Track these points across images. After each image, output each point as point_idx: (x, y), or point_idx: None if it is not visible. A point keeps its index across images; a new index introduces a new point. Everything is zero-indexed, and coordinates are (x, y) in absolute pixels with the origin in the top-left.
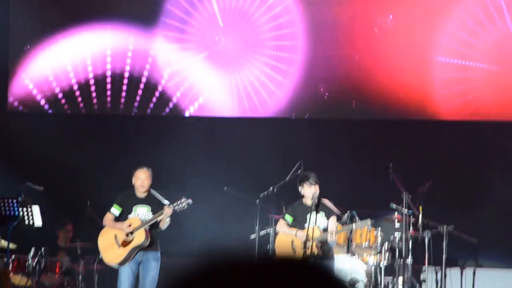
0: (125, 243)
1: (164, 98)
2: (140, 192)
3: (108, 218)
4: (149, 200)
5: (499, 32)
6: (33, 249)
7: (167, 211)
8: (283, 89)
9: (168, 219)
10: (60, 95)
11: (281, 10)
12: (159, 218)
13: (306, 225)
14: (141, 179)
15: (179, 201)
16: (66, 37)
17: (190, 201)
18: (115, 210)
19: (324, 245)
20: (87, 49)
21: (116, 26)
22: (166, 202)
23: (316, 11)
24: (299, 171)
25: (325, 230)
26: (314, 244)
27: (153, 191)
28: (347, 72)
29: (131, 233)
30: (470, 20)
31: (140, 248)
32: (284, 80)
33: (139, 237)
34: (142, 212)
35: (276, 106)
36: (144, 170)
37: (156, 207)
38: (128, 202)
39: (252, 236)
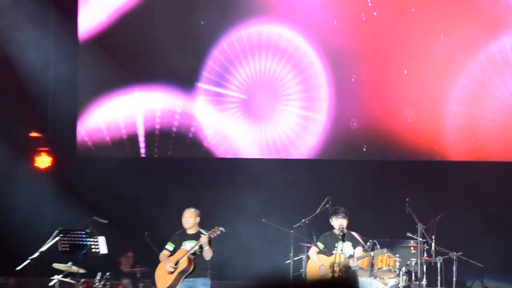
0: (172, 272)
1: (211, 146)
2: (188, 229)
3: (163, 254)
4: (197, 236)
5: (506, 87)
6: (99, 274)
7: (203, 238)
8: (312, 133)
9: (209, 249)
10: (123, 141)
11: (305, 65)
12: (197, 247)
13: (334, 251)
14: (185, 217)
15: (213, 230)
16: (126, 92)
17: (222, 229)
18: (169, 247)
19: (348, 269)
20: (140, 105)
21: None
22: (204, 232)
23: (339, 67)
24: (327, 205)
25: (351, 257)
26: (339, 268)
27: (201, 230)
28: (364, 120)
29: (176, 263)
30: (479, 73)
31: (186, 275)
32: (312, 125)
33: (183, 264)
34: (189, 246)
35: (307, 149)
36: (189, 210)
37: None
38: (180, 239)
39: (287, 262)
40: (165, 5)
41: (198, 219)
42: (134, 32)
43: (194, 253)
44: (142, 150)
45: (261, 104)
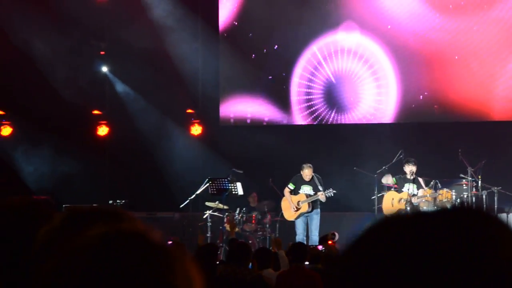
0: (296, 209)
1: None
2: (306, 178)
3: (286, 191)
4: (312, 182)
5: None
6: (238, 209)
7: (322, 197)
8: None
9: (324, 197)
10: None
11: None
12: (315, 199)
13: (404, 189)
14: (305, 172)
15: (328, 191)
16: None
17: (335, 191)
18: (291, 186)
19: (412, 204)
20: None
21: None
22: (321, 188)
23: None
24: (401, 156)
25: (415, 195)
26: (404, 203)
27: (314, 176)
28: (430, 90)
29: (298, 204)
30: None
31: (306, 212)
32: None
33: (304, 208)
34: (306, 189)
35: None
36: (308, 166)
37: (315, 187)
38: (299, 182)
39: (372, 197)
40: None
41: (311, 173)
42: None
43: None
44: (266, 119)
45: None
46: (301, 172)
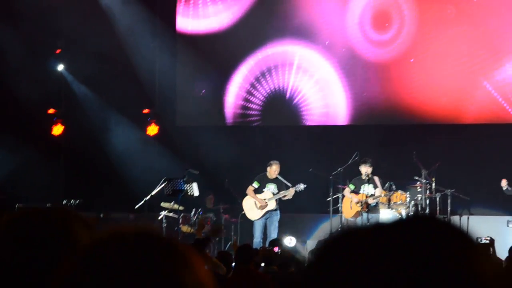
0: (262, 208)
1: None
2: (273, 175)
3: (250, 189)
4: (277, 181)
5: None
6: (194, 210)
7: (291, 191)
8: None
9: (290, 196)
10: (212, 112)
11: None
12: (283, 195)
13: (361, 191)
14: (273, 168)
15: (298, 185)
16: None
17: (304, 185)
18: (255, 184)
19: (370, 205)
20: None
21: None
22: (289, 184)
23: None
24: (356, 158)
25: (373, 195)
26: (364, 204)
27: (279, 177)
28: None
29: (266, 202)
30: None
31: (269, 211)
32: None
33: (271, 205)
34: (271, 187)
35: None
36: (276, 163)
37: (280, 185)
38: (264, 181)
39: (328, 199)
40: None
41: (278, 170)
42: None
43: (280, 198)
44: (228, 120)
45: None
46: (268, 169)
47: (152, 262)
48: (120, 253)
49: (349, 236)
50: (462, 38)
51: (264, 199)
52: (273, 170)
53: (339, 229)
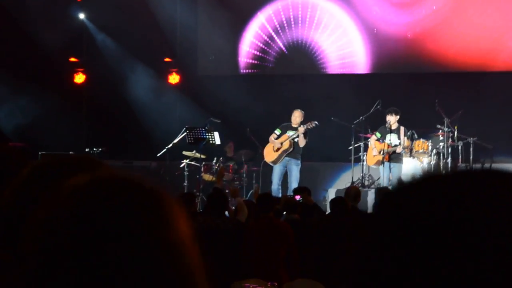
0: (278, 149)
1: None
2: (293, 124)
3: (272, 136)
4: (296, 128)
5: None
6: (215, 158)
7: (300, 129)
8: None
9: (303, 139)
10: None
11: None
12: (296, 135)
13: (385, 140)
14: (295, 116)
15: (309, 122)
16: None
17: (316, 122)
18: (277, 131)
19: (392, 153)
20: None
21: None
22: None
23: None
24: (378, 107)
25: (396, 145)
26: (386, 154)
27: (302, 124)
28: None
29: (281, 144)
30: None
31: (286, 153)
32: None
33: (285, 145)
34: (290, 134)
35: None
36: (298, 111)
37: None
38: (286, 128)
39: (349, 148)
40: None
41: (302, 118)
42: None
43: (293, 139)
44: (249, 70)
45: None
46: (292, 116)
47: (130, 213)
48: (96, 200)
49: (425, 181)
50: None
51: (280, 142)
52: (294, 117)
53: (416, 176)
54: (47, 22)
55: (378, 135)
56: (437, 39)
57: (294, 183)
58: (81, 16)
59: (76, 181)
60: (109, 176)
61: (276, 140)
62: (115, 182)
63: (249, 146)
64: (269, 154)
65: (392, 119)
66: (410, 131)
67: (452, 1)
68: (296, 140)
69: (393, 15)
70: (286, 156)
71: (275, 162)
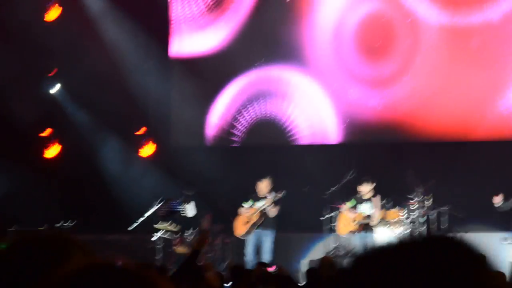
0: (247, 223)
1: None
2: (260, 194)
3: (240, 210)
4: (265, 198)
5: None
6: (189, 230)
7: (268, 200)
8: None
9: (273, 208)
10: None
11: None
12: (264, 206)
13: (358, 210)
14: (261, 187)
15: (276, 194)
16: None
17: (284, 192)
18: (246, 204)
19: (365, 224)
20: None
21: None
22: (270, 196)
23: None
24: (352, 176)
25: (369, 216)
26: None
27: (270, 193)
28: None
29: (250, 217)
30: None
31: (257, 226)
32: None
33: (254, 218)
34: (259, 205)
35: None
36: (265, 180)
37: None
38: (253, 199)
39: (322, 218)
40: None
41: (269, 187)
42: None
43: (263, 211)
44: (221, 141)
45: None
46: (258, 187)
47: None
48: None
49: (375, 255)
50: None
51: (249, 215)
52: (260, 188)
53: (366, 249)
54: (18, 97)
55: (350, 204)
56: (410, 109)
57: (266, 255)
58: (53, 89)
59: (70, 270)
60: (102, 265)
61: (245, 213)
62: (109, 272)
63: (223, 217)
64: (239, 227)
65: (366, 189)
66: (384, 200)
67: (427, 72)
68: (265, 211)
69: (364, 86)
70: (257, 228)
71: (245, 235)
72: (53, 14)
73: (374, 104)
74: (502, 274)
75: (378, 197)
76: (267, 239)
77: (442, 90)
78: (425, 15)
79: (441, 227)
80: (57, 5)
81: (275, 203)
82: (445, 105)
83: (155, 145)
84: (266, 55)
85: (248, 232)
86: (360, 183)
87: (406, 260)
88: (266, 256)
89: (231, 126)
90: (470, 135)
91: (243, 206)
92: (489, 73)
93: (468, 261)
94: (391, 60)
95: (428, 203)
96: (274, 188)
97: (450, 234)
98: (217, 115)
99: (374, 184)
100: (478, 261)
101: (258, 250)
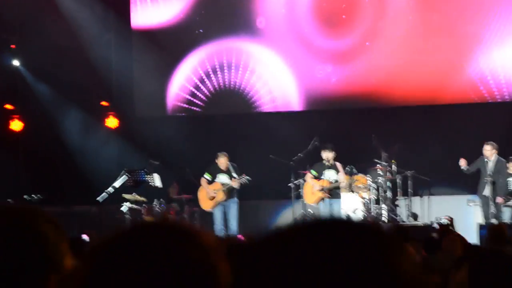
0: (212, 198)
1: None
2: (221, 166)
3: (203, 180)
4: (227, 171)
5: None
6: (155, 200)
7: (235, 183)
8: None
9: (237, 182)
10: (169, 103)
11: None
12: (230, 185)
13: (323, 177)
14: (221, 160)
15: (241, 177)
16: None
17: (248, 178)
18: (207, 176)
19: (332, 190)
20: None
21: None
22: (235, 175)
23: None
24: (316, 143)
25: (336, 181)
26: (326, 191)
27: (230, 165)
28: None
29: (215, 193)
30: None
31: (221, 201)
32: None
33: (219, 196)
34: (222, 178)
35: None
36: (224, 155)
37: (231, 175)
38: (214, 171)
39: (289, 184)
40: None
41: (228, 161)
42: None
43: (229, 187)
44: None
45: None
46: (216, 161)
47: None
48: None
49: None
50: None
51: (214, 190)
52: (220, 162)
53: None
54: None
55: (314, 173)
56: (373, 74)
57: (232, 221)
58: (15, 62)
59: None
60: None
61: (209, 188)
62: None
63: (190, 187)
64: (204, 202)
65: (329, 156)
66: (348, 166)
67: (390, 41)
68: (230, 187)
69: (325, 51)
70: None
71: (212, 208)
72: None
73: (335, 76)
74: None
75: (339, 164)
76: (232, 206)
77: (408, 57)
78: None
79: (408, 190)
80: None
81: (240, 184)
82: (412, 72)
83: (118, 117)
84: (222, 27)
85: (214, 206)
86: (323, 150)
87: (297, 245)
88: (233, 223)
89: (194, 96)
90: (437, 99)
91: (206, 178)
92: (454, 39)
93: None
94: (353, 29)
95: (393, 167)
96: (240, 157)
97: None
98: (178, 85)
99: (334, 151)
100: (382, 245)
101: (225, 219)
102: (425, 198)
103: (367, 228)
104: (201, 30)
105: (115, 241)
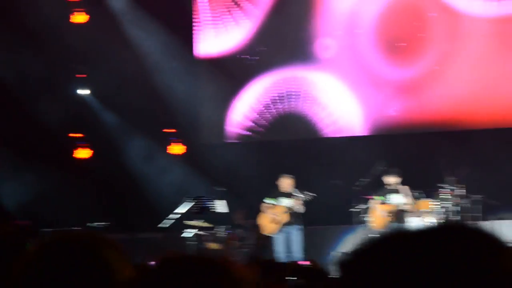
0: (275, 221)
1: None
2: (283, 189)
3: (264, 206)
4: (290, 194)
5: None
6: (219, 227)
7: (297, 202)
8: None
9: (302, 206)
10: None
11: None
12: (293, 206)
13: (388, 201)
14: (284, 183)
15: (305, 193)
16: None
17: (313, 194)
18: (268, 200)
19: (398, 214)
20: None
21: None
22: (297, 195)
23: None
24: (381, 168)
25: (402, 205)
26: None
27: (293, 189)
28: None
29: (277, 216)
30: None
31: (285, 224)
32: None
33: (283, 219)
34: (285, 202)
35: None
36: (288, 177)
37: (293, 198)
38: (276, 195)
39: (352, 210)
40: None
41: (292, 184)
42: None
43: (292, 209)
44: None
45: None
46: (279, 184)
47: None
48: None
49: (383, 243)
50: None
51: (276, 213)
52: (283, 184)
53: (374, 238)
54: (48, 99)
55: (381, 197)
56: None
57: (296, 248)
58: (83, 91)
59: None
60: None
61: (271, 212)
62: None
63: (254, 214)
64: (267, 226)
65: (392, 180)
66: (416, 191)
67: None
68: (294, 209)
69: (388, 76)
70: (286, 225)
71: (274, 234)
72: (79, 18)
73: (400, 102)
74: None
75: (406, 187)
76: (297, 234)
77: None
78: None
79: (475, 215)
80: (83, 10)
81: (303, 203)
82: (479, 94)
83: (183, 144)
84: (286, 56)
85: (278, 230)
86: (387, 175)
87: (420, 247)
88: (297, 252)
89: (258, 122)
90: (505, 122)
91: (265, 202)
92: None
93: (483, 247)
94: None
95: (460, 191)
96: (303, 182)
97: (465, 222)
98: (242, 112)
99: (399, 176)
100: (494, 246)
101: (288, 246)
102: (495, 222)
103: (480, 229)
104: (263, 58)
105: (148, 275)
